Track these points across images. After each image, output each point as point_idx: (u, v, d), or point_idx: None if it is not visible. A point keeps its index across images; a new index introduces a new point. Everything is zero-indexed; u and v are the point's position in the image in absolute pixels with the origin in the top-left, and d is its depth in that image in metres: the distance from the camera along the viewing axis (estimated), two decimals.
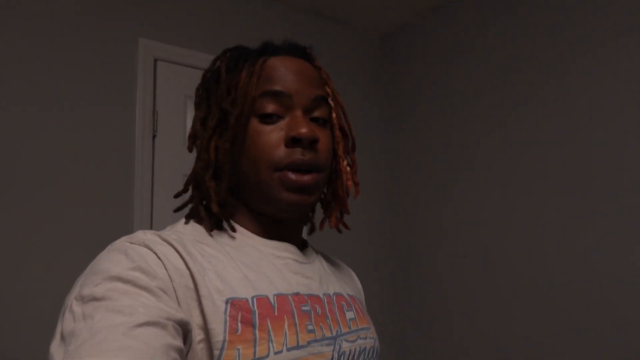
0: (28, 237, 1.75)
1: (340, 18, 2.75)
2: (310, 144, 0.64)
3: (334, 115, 0.71)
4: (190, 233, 0.64)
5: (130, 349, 0.44)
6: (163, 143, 2.09)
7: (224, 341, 0.53)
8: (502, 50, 2.35)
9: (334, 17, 2.74)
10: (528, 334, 2.13)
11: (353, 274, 0.86)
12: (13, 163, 1.77)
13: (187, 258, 0.57)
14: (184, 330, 0.51)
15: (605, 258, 1.93)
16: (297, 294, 0.63)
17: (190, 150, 0.70)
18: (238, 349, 0.53)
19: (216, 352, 0.53)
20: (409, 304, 2.63)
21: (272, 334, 0.56)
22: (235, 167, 0.67)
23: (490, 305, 2.28)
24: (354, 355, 0.65)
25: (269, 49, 0.69)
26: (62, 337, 0.47)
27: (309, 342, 0.59)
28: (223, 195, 0.66)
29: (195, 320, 0.54)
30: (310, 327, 0.60)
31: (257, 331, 0.55)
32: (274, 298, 0.59)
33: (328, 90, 0.71)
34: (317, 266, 0.72)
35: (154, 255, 0.55)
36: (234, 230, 0.66)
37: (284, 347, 0.56)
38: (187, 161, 2.05)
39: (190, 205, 0.85)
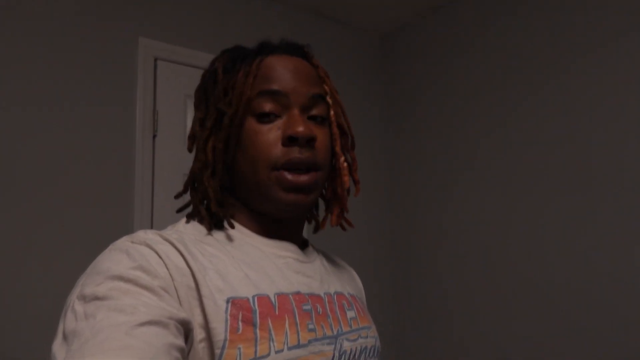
0: (28, 237, 1.75)
1: (340, 18, 2.75)
2: (307, 142, 0.64)
3: (331, 112, 0.71)
4: (191, 232, 0.64)
5: (132, 348, 0.44)
6: (163, 143, 2.09)
7: (225, 340, 0.53)
8: (502, 50, 2.35)
9: (334, 17, 2.74)
10: (528, 334, 2.13)
11: (354, 273, 0.86)
12: (13, 163, 1.76)
13: (188, 257, 0.57)
14: (186, 329, 0.52)
15: (605, 258, 1.93)
16: (298, 293, 0.63)
17: (190, 150, 0.71)
18: (239, 348, 0.53)
19: (217, 351, 0.53)
20: (409, 304, 2.64)
21: (273, 333, 0.56)
22: (234, 167, 0.67)
23: (490, 305, 2.28)
24: (355, 354, 0.65)
25: (266, 48, 0.70)
26: (64, 337, 0.47)
27: (310, 341, 0.59)
28: (220, 195, 0.66)
29: (197, 320, 0.54)
30: (311, 326, 0.61)
31: (258, 330, 0.55)
32: (274, 297, 0.59)
33: (326, 88, 0.71)
34: (318, 265, 0.72)
35: (155, 255, 0.55)
36: (233, 228, 0.66)
37: (285, 346, 0.56)
38: (188, 161, 2.06)
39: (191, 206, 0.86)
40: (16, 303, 1.70)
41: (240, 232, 0.67)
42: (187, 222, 0.67)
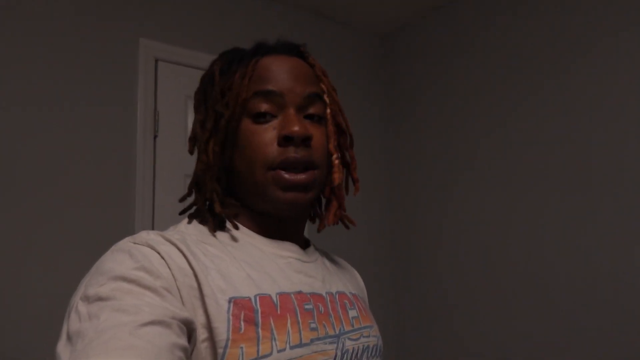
0: (28, 237, 1.75)
1: (340, 18, 2.75)
2: (303, 141, 0.65)
3: (328, 111, 0.71)
4: (193, 233, 0.64)
5: (136, 348, 0.44)
6: (164, 143, 2.09)
7: (227, 340, 0.53)
8: (502, 50, 2.35)
9: (334, 17, 2.74)
10: (528, 333, 2.13)
11: (355, 272, 0.86)
12: (13, 163, 1.76)
13: (190, 257, 0.57)
14: (189, 329, 0.52)
15: (605, 258, 1.93)
16: (299, 292, 0.63)
17: (190, 152, 0.71)
18: (241, 348, 0.53)
19: (220, 351, 0.53)
20: (409, 304, 2.64)
21: (275, 332, 0.56)
22: (233, 168, 0.67)
23: (490, 305, 2.28)
24: (357, 354, 0.65)
25: (262, 49, 0.70)
26: (69, 337, 0.47)
27: (312, 340, 0.59)
28: (222, 196, 0.67)
29: (199, 319, 0.54)
30: (313, 325, 0.61)
31: (260, 330, 0.55)
32: (276, 297, 0.60)
33: (323, 86, 0.71)
34: (320, 265, 0.72)
35: (157, 255, 0.55)
36: (237, 229, 0.67)
37: (287, 345, 0.56)
38: (189, 161, 2.06)
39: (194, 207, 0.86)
40: (16, 303, 1.70)
41: (242, 233, 0.67)
42: (189, 222, 0.67)
